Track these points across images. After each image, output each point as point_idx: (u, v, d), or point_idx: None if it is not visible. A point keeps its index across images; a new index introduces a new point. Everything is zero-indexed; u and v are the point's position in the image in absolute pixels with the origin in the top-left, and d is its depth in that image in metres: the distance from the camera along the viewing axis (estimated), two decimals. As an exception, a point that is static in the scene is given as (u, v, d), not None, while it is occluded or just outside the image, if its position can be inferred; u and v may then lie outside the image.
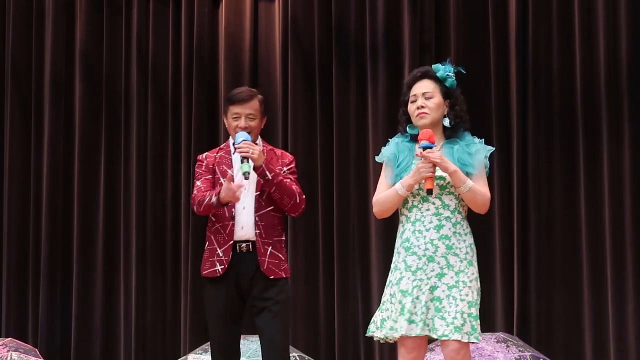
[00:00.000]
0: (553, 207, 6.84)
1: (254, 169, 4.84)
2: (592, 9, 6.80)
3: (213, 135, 7.52)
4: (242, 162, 4.82)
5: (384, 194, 4.63)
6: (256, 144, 4.97)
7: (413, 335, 4.47)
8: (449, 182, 4.54)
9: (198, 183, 5.05)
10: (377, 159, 4.75)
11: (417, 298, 4.49)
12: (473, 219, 4.76)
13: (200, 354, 6.50)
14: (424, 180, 4.50)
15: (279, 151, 5.17)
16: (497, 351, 5.95)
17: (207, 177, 5.03)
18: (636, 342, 6.52)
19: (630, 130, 6.66)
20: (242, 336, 6.37)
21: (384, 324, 4.56)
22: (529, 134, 6.89)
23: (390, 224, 6.96)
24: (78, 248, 7.61)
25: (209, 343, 6.30)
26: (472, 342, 4.47)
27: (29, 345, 6.75)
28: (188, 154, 7.50)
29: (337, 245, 7.18)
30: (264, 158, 4.87)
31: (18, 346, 6.55)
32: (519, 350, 6.04)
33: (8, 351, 6.42)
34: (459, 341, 4.42)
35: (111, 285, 7.60)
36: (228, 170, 4.98)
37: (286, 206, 4.96)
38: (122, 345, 7.51)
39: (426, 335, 4.51)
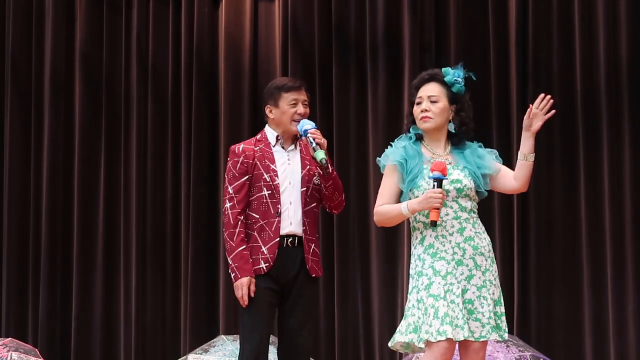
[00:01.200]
0: (553, 207, 6.84)
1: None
2: (592, 8, 6.80)
3: (213, 135, 7.53)
4: (314, 150, 4.73)
5: (388, 208, 4.56)
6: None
7: (461, 339, 4.40)
8: (465, 186, 4.52)
9: (231, 191, 4.85)
10: (381, 161, 4.65)
11: (453, 302, 4.42)
12: (473, 219, 4.77)
13: (200, 354, 6.49)
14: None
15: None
16: (497, 351, 5.95)
17: (240, 182, 4.85)
18: (636, 342, 6.52)
19: (630, 130, 6.66)
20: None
21: (409, 328, 4.47)
22: (529, 134, 6.88)
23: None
24: (78, 248, 7.61)
25: (209, 343, 6.33)
26: (500, 341, 4.52)
27: (29, 345, 6.75)
28: (188, 154, 7.50)
29: (337, 245, 7.18)
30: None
31: (18, 346, 6.54)
32: (519, 351, 6.03)
33: (8, 351, 6.42)
34: (482, 341, 4.44)
35: (111, 285, 7.60)
36: (275, 178, 4.87)
37: (335, 201, 4.91)
38: (122, 345, 7.51)
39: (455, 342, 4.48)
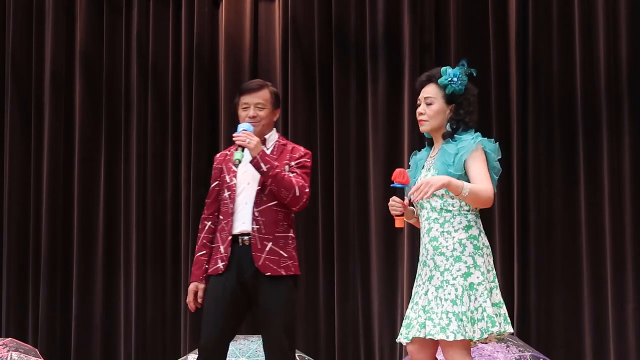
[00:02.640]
0: (553, 207, 6.84)
1: (250, 161, 4.86)
2: (592, 9, 6.80)
3: (213, 135, 7.53)
4: (236, 150, 4.85)
5: None
6: (264, 138, 4.97)
7: (410, 337, 4.47)
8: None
9: (206, 202, 5.10)
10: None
11: (417, 303, 4.51)
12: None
13: (200, 354, 6.49)
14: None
15: (291, 145, 5.12)
16: (497, 351, 5.95)
17: (212, 186, 5.06)
18: (636, 342, 6.52)
19: (630, 130, 6.66)
20: (243, 336, 6.38)
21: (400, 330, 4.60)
22: (529, 134, 6.89)
23: (390, 224, 6.97)
24: (78, 248, 7.61)
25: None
26: (466, 341, 4.41)
27: (29, 345, 6.75)
28: (188, 154, 7.50)
29: (337, 245, 7.18)
30: (261, 150, 4.86)
31: (18, 346, 6.55)
32: (519, 350, 6.04)
33: (8, 351, 6.42)
34: (445, 340, 4.39)
35: (111, 285, 7.60)
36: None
37: (285, 199, 4.92)
38: (122, 345, 7.51)
39: (436, 343, 4.48)
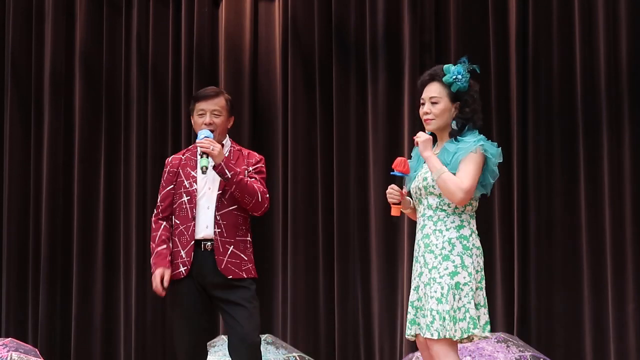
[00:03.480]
0: (553, 207, 6.84)
1: (214, 167, 4.91)
2: (592, 8, 6.80)
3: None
4: (201, 156, 4.91)
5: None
6: (222, 144, 5.03)
7: (408, 335, 4.57)
8: (428, 183, 4.53)
9: (158, 200, 5.12)
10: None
11: (411, 301, 4.58)
12: (473, 219, 4.76)
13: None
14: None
15: (246, 151, 5.21)
16: (497, 351, 5.95)
17: (167, 189, 5.10)
18: (636, 342, 6.52)
19: (630, 130, 6.66)
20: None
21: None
22: (529, 134, 6.88)
23: (390, 224, 6.98)
24: (78, 248, 7.61)
25: (209, 343, 6.32)
26: (450, 340, 4.40)
27: (29, 345, 6.75)
28: (188, 154, 7.50)
29: (337, 245, 7.18)
30: (224, 157, 4.93)
31: (18, 346, 6.54)
32: (519, 351, 6.04)
33: (8, 351, 6.42)
34: (429, 338, 4.43)
35: (111, 285, 7.60)
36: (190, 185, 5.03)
37: (248, 205, 5.00)
38: (122, 345, 7.51)
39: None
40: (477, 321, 4.45)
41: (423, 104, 4.61)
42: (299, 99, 7.37)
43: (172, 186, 5.09)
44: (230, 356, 4.98)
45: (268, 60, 7.55)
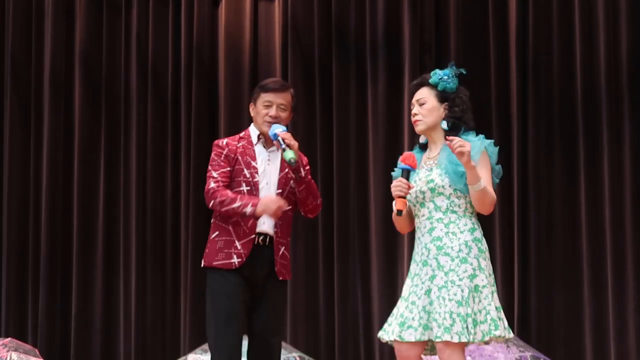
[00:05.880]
0: (553, 207, 6.84)
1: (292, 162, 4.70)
2: (592, 8, 6.80)
3: (213, 135, 7.52)
4: (284, 150, 4.67)
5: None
6: None
7: (413, 340, 4.45)
8: (437, 184, 4.52)
9: (215, 174, 4.83)
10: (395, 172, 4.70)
11: (413, 303, 4.48)
12: (474, 219, 4.76)
13: (200, 354, 6.49)
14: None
15: None
16: (498, 351, 5.96)
17: (225, 170, 4.84)
18: (636, 342, 6.53)
19: (630, 130, 6.67)
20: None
21: (384, 326, 4.57)
22: (529, 134, 6.89)
23: (390, 224, 6.97)
24: (78, 248, 7.60)
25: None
26: (465, 342, 4.38)
27: (29, 345, 6.75)
28: (188, 154, 7.50)
29: (337, 245, 7.18)
30: (299, 153, 4.73)
31: (18, 346, 6.54)
32: (520, 351, 6.04)
33: (8, 351, 6.41)
34: (444, 342, 4.37)
35: (111, 285, 7.60)
36: (255, 166, 4.80)
37: (308, 206, 4.87)
38: (122, 345, 7.51)
39: (422, 343, 4.48)
40: (499, 323, 4.43)
41: (413, 108, 4.64)
42: (298, 99, 7.34)
43: (229, 168, 4.83)
44: (248, 359, 4.82)
45: (268, 60, 7.55)
